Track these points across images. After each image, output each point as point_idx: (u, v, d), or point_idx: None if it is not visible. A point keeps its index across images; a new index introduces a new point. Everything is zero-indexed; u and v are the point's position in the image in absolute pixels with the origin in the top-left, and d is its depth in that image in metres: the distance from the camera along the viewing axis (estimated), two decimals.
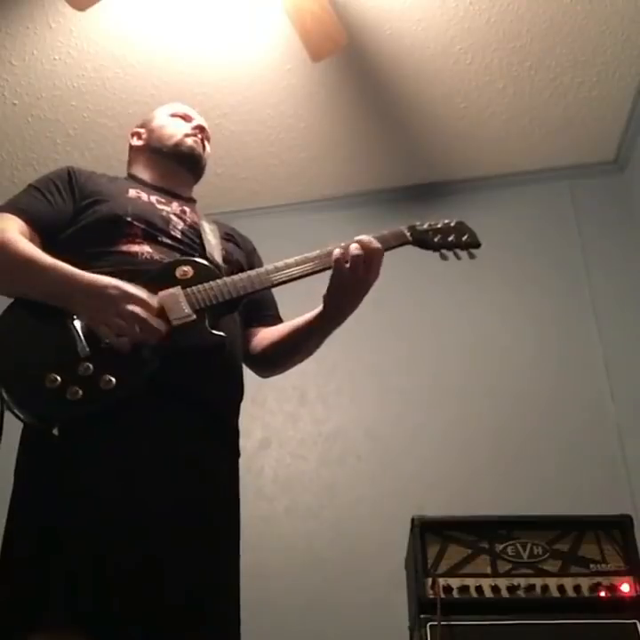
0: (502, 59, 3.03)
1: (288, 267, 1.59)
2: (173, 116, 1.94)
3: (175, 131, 1.89)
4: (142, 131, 1.93)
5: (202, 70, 3.09)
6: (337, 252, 1.57)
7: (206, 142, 1.94)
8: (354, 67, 3.06)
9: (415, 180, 3.58)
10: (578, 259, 3.30)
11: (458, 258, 1.72)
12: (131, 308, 1.41)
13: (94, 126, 3.28)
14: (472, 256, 1.73)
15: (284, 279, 1.58)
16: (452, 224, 1.75)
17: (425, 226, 1.72)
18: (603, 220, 3.36)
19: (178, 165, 1.87)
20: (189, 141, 1.87)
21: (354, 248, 1.56)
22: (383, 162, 3.50)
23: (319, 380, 3.19)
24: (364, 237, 1.58)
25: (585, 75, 3.09)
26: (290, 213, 3.65)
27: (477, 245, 1.73)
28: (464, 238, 1.73)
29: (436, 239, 1.71)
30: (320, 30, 2.61)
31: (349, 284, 1.57)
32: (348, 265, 1.55)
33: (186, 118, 1.94)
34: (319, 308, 1.66)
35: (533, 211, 3.45)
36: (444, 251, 1.71)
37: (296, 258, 1.60)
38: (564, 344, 3.12)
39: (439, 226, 1.73)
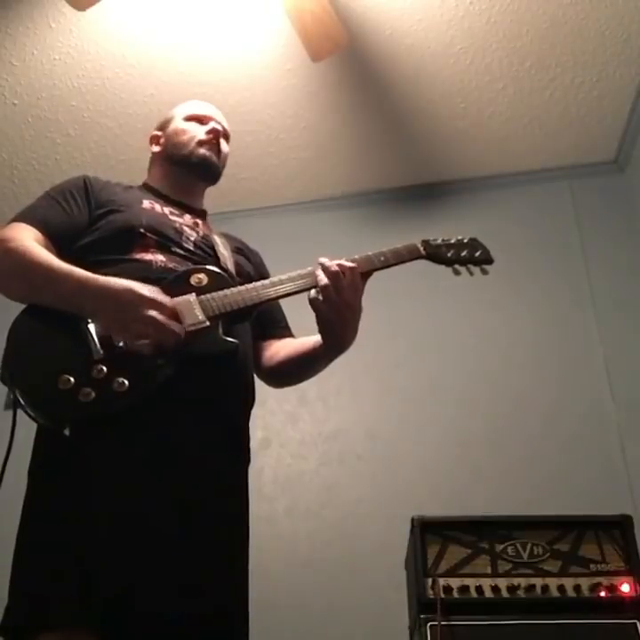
0: (502, 59, 3.03)
1: (301, 277, 1.60)
2: (189, 119, 1.90)
3: (188, 139, 1.86)
4: (160, 134, 1.92)
5: (202, 70, 3.09)
6: (312, 292, 1.57)
7: (224, 141, 1.91)
8: (354, 67, 3.06)
9: (415, 180, 3.58)
10: (578, 259, 3.30)
11: (470, 274, 1.74)
12: (147, 311, 1.41)
13: (94, 126, 3.28)
14: (485, 272, 1.75)
15: (297, 289, 1.59)
16: (466, 240, 1.77)
17: (439, 241, 1.75)
18: (603, 220, 3.36)
19: (191, 174, 1.86)
20: (201, 151, 1.85)
21: (320, 278, 1.55)
22: (383, 162, 3.50)
23: (319, 379, 3.17)
24: (325, 262, 1.57)
25: (585, 75, 3.09)
26: (290, 213, 3.65)
27: (490, 262, 1.76)
28: (477, 254, 1.76)
29: (449, 254, 1.73)
30: (320, 30, 2.61)
31: (330, 313, 1.56)
32: (320, 297, 1.55)
33: (202, 120, 1.90)
34: (319, 338, 1.66)
35: (533, 211, 3.45)
36: (457, 266, 1.74)
37: (309, 268, 1.61)
38: (564, 344, 3.12)
39: (453, 241, 1.76)
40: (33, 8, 2.86)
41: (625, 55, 3.00)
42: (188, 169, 1.85)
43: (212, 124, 1.89)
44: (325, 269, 1.56)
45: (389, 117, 3.28)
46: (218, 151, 1.89)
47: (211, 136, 1.87)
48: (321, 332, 1.61)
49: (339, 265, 1.56)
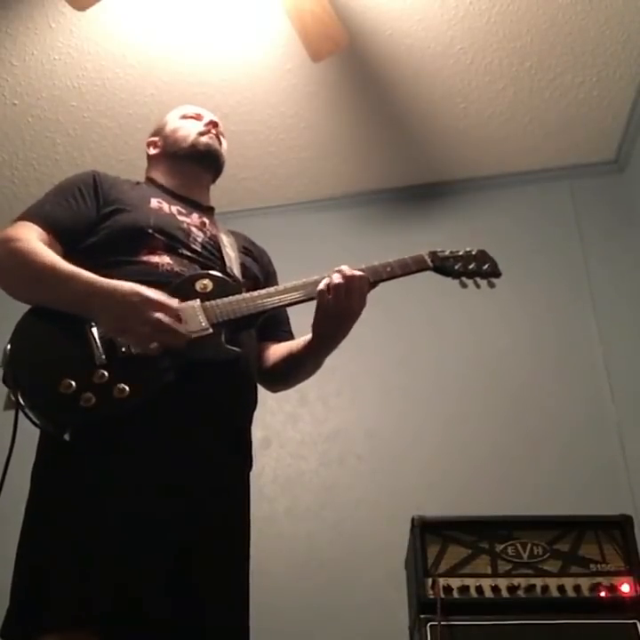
0: (502, 59, 3.03)
1: (306, 286, 1.60)
2: (184, 117, 1.93)
3: (188, 131, 1.88)
4: (157, 139, 1.93)
5: (202, 70, 3.09)
6: (322, 284, 1.58)
7: (222, 137, 1.93)
8: (354, 67, 3.06)
9: (415, 180, 3.58)
10: (578, 259, 3.30)
11: (477, 286, 1.73)
12: (154, 314, 1.41)
13: (94, 126, 3.28)
14: (492, 285, 1.74)
15: (302, 298, 1.60)
16: (474, 252, 1.77)
17: (446, 253, 1.74)
18: (603, 219, 3.36)
19: (197, 166, 1.86)
20: (204, 139, 1.87)
21: (335, 277, 1.57)
22: (383, 162, 3.50)
23: (319, 380, 3.15)
24: (344, 267, 1.59)
25: (585, 75, 3.09)
26: (290, 213, 3.65)
27: (498, 275, 1.75)
28: (485, 267, 1.74)
29: (456, 266, 1.73)
30: (320, 30, 2.61)
31: (332, 313, 1.58)
32: (329, 295, 1.56)
33: (197, 117, 1.93)
34: (309, 336, 1.67)
35: (533, 211, 3.45)
36: (464, 278, 1.73)
37: (315, 277, 1.61)
38: (564, 344, 3.12)
39: (460, 253, 1.75)
40: (33, 8, 2.86)
41: (625, 55, 3.00)
42: (192, 160, 1.86)
43: (208, 118, 1.93)
44: (341, 271, 1.58)
45: (389, 117, 3.28)
46: (218, 141, 1.91)
47: (209, 126, 1.90)
48: (315, 328, 1.62)
49: (352, 272, 1.58)
